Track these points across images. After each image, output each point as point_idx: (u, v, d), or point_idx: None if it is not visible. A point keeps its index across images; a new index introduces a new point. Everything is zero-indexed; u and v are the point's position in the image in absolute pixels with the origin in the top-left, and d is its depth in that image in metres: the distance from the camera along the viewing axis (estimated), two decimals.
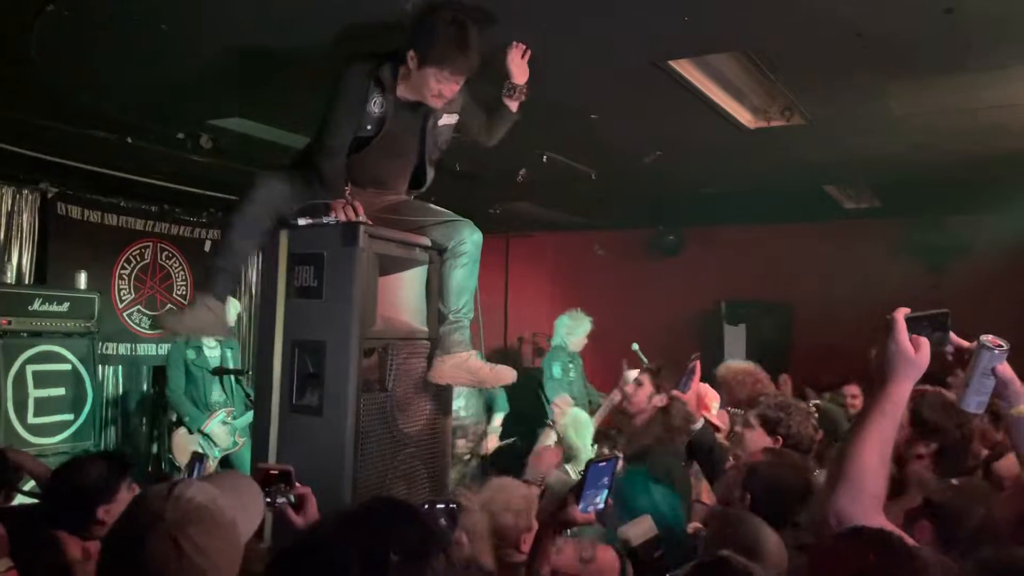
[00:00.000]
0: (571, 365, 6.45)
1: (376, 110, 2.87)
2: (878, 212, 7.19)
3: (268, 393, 2.83)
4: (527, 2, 2.94)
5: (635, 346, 6.28)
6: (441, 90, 2.81)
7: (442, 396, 3.15)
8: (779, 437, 3.03)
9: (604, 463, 2.28)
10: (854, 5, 2.89)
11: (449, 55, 2.73)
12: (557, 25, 3.15)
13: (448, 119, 3.04)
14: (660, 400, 3.09)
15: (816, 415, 3.43)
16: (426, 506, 2.14)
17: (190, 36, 3.34)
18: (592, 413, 4.60)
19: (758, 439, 3.03)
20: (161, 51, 3.51)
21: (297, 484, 2.03)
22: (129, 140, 4.84)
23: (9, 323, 5.24)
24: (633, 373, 3.79)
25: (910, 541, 1.39)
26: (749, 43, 3.39)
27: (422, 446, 3.05)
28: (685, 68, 3.66)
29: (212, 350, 5.60)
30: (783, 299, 7.76)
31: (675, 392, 3.41)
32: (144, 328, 6.79)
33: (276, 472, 2.06)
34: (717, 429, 3.81)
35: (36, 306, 5.39)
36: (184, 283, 7.12)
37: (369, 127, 2.89)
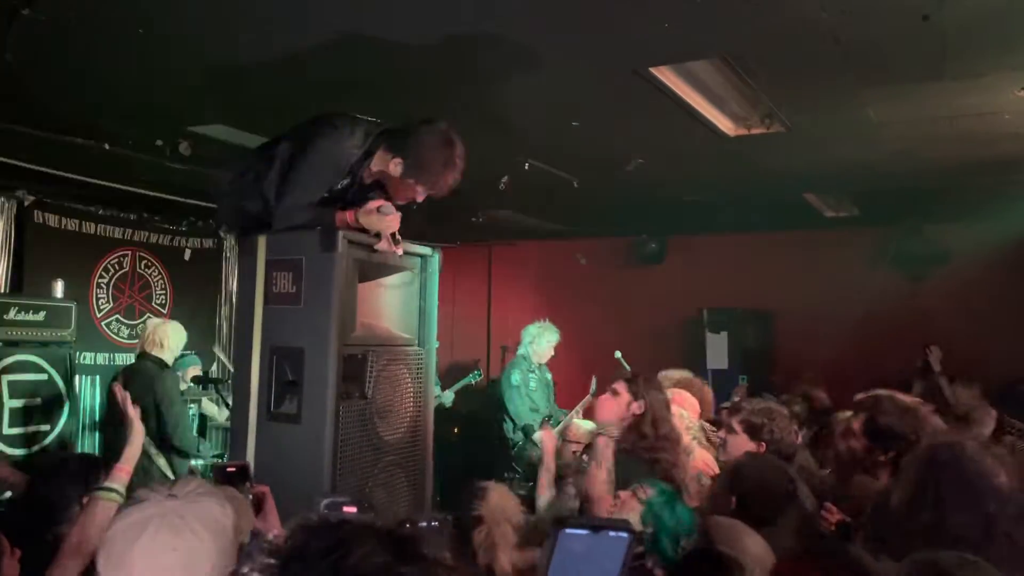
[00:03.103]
0: (532, 375, 6.29)
1: (339, 187, 2.90)
2: (858, 221, 7.25)
3: (246, 401, 2.80)
4: (507, 11, 2.94)
5: (618, 354, 6.29)
6: (415, 196, 2.85)
7: (423, 403, 3.13)
8: (762, 443, 3.03)
9: (615, 533, 1.33)
10: (832, 12, 2.91)
11: (436, 176, 2.78)
12: (538, 34, 3.15)
13: None
14: (638, 407, 3.07)
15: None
16: (407, 524, 2.06)
17: (170, 41, 3.31)
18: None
19: (741, 444, 3.03)
20: (140, 56, 3.48)
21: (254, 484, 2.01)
22: (107, 147, 4.79)
23: None
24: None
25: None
26: (729, 50, 3.40)
27: (403, 454, 3.02)
28: (666, 75, 3.68)
29: None
30: (764, 307, 7.80)
31: None
32: (122, 338, 6.71)
33: (234, 469, 2.04)
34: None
35: (12, 315, 5.29)
36: (163, 292, 7.04)
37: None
